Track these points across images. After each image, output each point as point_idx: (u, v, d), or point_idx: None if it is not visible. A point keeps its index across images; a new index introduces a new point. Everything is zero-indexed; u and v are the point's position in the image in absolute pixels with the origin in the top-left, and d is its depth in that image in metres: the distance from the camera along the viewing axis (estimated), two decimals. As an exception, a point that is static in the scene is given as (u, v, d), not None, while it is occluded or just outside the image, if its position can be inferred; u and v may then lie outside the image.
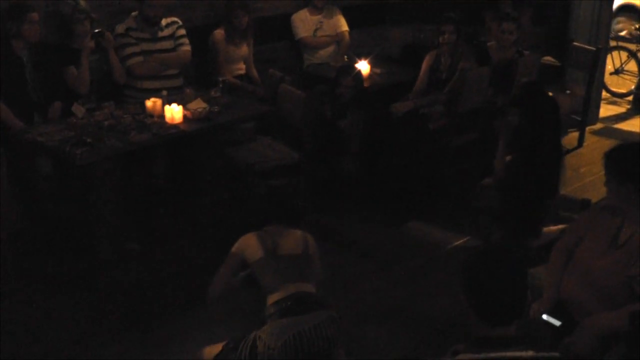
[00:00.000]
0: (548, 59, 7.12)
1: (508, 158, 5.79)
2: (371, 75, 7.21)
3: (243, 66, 7.05)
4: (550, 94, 5.73)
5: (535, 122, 5.41)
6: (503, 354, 2.77)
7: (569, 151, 7.74)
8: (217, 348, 4.08)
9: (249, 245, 4.08)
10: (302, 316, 3.88)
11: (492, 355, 2.76)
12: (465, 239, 5.98)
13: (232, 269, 4.09)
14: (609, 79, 9.59)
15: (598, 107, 8.79)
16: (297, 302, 3.93)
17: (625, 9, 12.86)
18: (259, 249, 4.06)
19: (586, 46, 7.90)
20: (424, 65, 7.13)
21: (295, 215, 4.28)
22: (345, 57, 7.52)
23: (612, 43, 9.66)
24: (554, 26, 8.30)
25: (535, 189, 5.47)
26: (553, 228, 4.90)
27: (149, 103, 5.84)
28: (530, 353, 2.77)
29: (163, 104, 5.79)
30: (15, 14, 5.71)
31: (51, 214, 5.69)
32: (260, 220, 4.22)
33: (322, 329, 3.88)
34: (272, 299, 3.95)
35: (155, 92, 6.04)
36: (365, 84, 7.07)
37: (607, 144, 6.50)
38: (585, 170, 7.08)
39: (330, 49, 7.58)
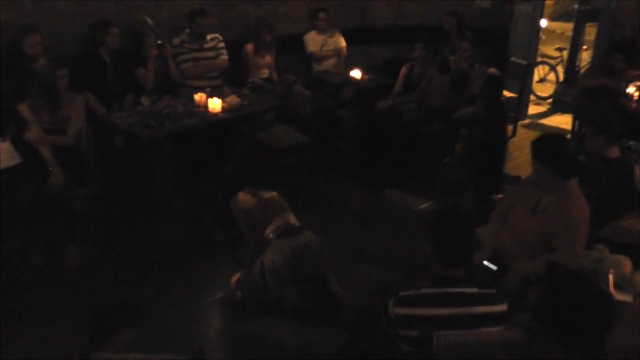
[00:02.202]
0: (492, 70, 7.10)
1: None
2: (362, 80, 7.19)
3: (267, 71, 7.02)
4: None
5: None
6: (455, 289, 2.82)
7: (505, 139, 7.76)
8: (237, 276, 4.33)
9: (243, 199, 4.27)
10: (294, 237, 4.06)
11: (447, 290, 2.82)
12: (429, 203, 5.98)
13: (244, 222, 4.25)
14: (535, 86, 9.56)
15: (527, 107, 8.77)
16: (288, 227, 4.11)
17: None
18: (251, 198, 4.26)
19: (520, 61, 7.88)
20: (401, 73, 7.14)
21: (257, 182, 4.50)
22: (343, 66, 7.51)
23: (538, 59, 9.63)
24: (497, 46, 8.27)
25: (486, 167, 5.51)
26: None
27: (196, 97, 5.84)
28: (474, 289, 2.82)
29: (207, 98, 5.79)
30: (101, 28, 5.71)
31: (123, 175, 5.71)
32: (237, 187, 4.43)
33: (310, 246, 4.07)
34: (269, 229, 4.11)
35: (201, 89, 6.02)
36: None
37: (534, 134, 6.49)
38: (517, 154, 7.09)
39: (333, 60, 7.55)
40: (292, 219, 4.23)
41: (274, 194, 4.36)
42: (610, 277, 3.09)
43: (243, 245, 4.46)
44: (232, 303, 4.42)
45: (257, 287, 4.17)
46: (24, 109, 4.84)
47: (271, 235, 4.11)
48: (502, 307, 2.81)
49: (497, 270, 3.65)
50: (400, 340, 2.82)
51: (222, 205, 4.49)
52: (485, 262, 3.71)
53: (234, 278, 4.45)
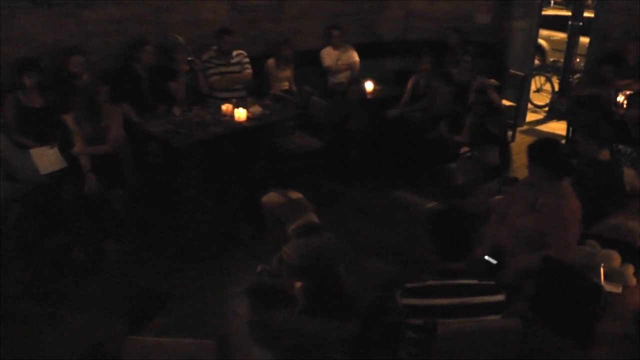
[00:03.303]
0: (492, 81, 7.04)
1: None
2: (374, 90, 7.18)
3: (287, 84, 7.01)
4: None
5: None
6: (457, 281, 2.79)
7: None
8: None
9: (272, 198, 4.34)
10: (313, 237, 4.07)
11: (450, 282, 2.79)
12: (434, 203, 5.93)
13: (271, 218, 4.30)
14: (532, 96, 9.48)
15: (525, 114, 8.69)
16: (309, 227, 4.12)
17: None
18: (279, 197, 4.31)
19: (518, 72, 7.81)
20: (409, 84, 7.10)
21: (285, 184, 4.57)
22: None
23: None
24: (496, 58, 8.21)
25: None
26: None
27: (223, 107, 5.84)
28: (474, 281, 2.80)
29: (233, 108, 5.79)
30: (136, 46, 5.75)
31: (157, 177, 5.73)
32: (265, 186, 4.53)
33: (326, 247, 4.08)
34: (292, 226, 4.12)
35: (227, 100, 6.04)
36: (370, 96, 7.06)
37: (531, 139, 6.41)
38: (515, 157, 6.99)
39: (346, 73, 7.47)
40: (314, 219, 4.23)
41: (300, 195, 4.38)
42: (601, 270, 3.05)
43: (268, 240, 4.48)
44: (256, 293, 4.42)
45: (274, 275, 4.24)
46: (69, 119, 4.89)
47: (293, 232, 4.11)
48: (500, 298, 2.79)
49: (496, 264, 3.60)
50: (406, 328, 2.80)
51: (249, 205, 4.50)
52: (486, 257, 3.67)
53: (259, 268, 4.48)
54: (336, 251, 4.18)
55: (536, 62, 10.38)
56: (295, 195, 4.38)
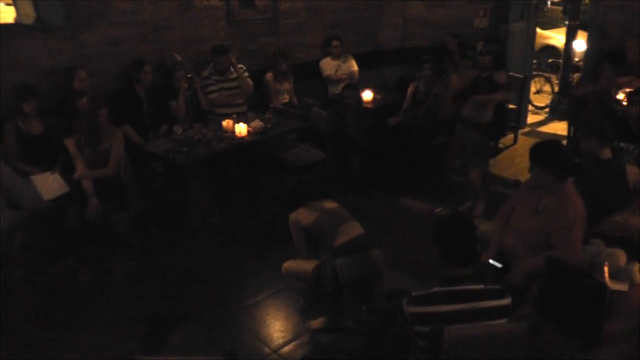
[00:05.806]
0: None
1: None
2: (374, 99, 7.22)
3: (287, 96, 7.04)
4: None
5: None
6: (462, 287, 2.80)
7: (507, 147, 7.71)
8: (307, 264, 4.00)
9: (303, 215, 4.04)
10: (362, 254, 3.91)
11: (455, 287, 2.80)
12: (440, 209, 5.95)
13: (300, 237, 4.08)
14: (533, 97, 9.48)
15: (526, 116, 8.69)
16: (362, 243, 3.94)
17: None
18: (312, 212, 4.03)
19: (517, 75, 7.83)
20: (409, 91, 7.11)
21: (318, 195, 4.27)
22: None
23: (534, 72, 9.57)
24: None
25: None
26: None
27: (224, 123, 5.88)
28: (480, 286, 2.81)
29: (234, 123, 5.82)
30: (135, 66, 5.79)
31: (161, 197, 5.76)
32: (300, 202, 4.19)
33: (377, 266, 3.95)
34: (338, 240, 3.91)
35: (228, 116, 6.07)
36: (370, 105, 7.08)
37: (533, 141, 6.42)
38: (518, 160, 7.04)
39: (346, 83, 7.50)
40: (360, 230, 4.01)
41: (335, 204, 4.17)
42: (605, 268, 3.05)
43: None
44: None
45: (314, 286, 3.97)
46: (70, 143, 4.93)
47: (342, 247, 3.89)
48: (506, 301, 2.79)
49: (501, 268, 3.62)
50: (414, 335, 2.82)
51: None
52: (491, 261, 3.69)
53: (303, 264, 4.13)
54: (382, 267, 4.00)
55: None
56: (329, 205, 4.12)
